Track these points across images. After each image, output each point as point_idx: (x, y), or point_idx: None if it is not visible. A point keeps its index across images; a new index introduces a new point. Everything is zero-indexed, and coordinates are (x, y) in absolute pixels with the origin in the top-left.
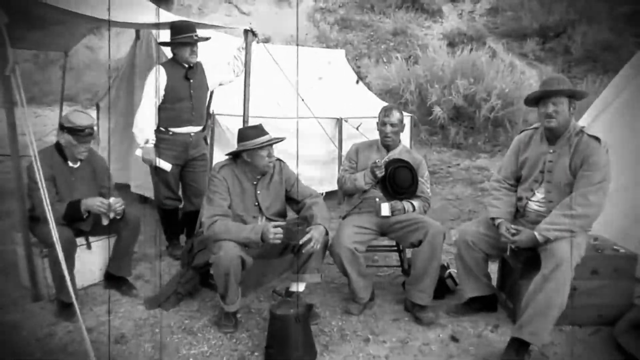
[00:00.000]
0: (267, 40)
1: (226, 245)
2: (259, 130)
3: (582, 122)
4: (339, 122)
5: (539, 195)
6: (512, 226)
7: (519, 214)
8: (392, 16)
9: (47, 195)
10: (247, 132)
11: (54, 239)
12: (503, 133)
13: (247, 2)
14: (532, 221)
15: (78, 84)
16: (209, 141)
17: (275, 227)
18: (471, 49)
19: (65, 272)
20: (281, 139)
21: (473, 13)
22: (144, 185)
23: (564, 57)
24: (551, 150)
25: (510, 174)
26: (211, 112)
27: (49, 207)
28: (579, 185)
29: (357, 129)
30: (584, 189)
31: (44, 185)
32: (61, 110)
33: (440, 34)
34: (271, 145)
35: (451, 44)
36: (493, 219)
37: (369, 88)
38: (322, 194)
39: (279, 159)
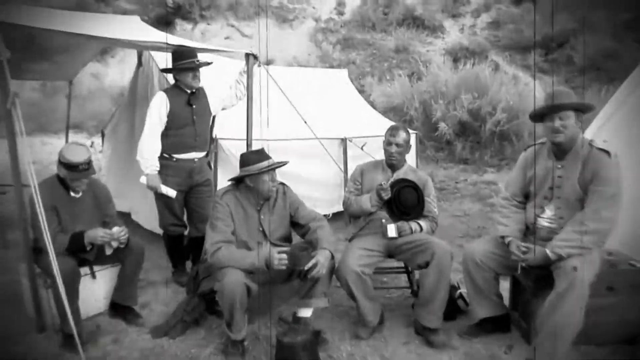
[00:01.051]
0: (269, 63)
1: (230, 272)
2: (261, 155)
3: (588, 132)
4: (344, 142)
5: (549, 212)
6: (523, 244)
7: (529, 231)
8: (394, 34)
9: (47, 227)
10: (249, 157)
11: (54, 270)
12: (509, 146)
13: (248, 25)
14: (543, 238)
15: (83, 112)
16: (212, 166)
17: (280, 252)
18: (474, 63)
19: (66, 303)
20: (283, 163)
21: (474, 27)
22: (142, 214)
23: (567, 67)
24: (559, 166)
25: (518, 191)
26: (214, 136)
27: (49, 238)
28: (591, 200)
29: (361, 148)
30: (595, 205)
31: (44, 216)
32: (67, 138)
33: (442, 50)
34: (274, 169)
35: (454, 59)
36: (503, 237)
37: (373, 106)
38: (329, 215)
39: (282, 183)
